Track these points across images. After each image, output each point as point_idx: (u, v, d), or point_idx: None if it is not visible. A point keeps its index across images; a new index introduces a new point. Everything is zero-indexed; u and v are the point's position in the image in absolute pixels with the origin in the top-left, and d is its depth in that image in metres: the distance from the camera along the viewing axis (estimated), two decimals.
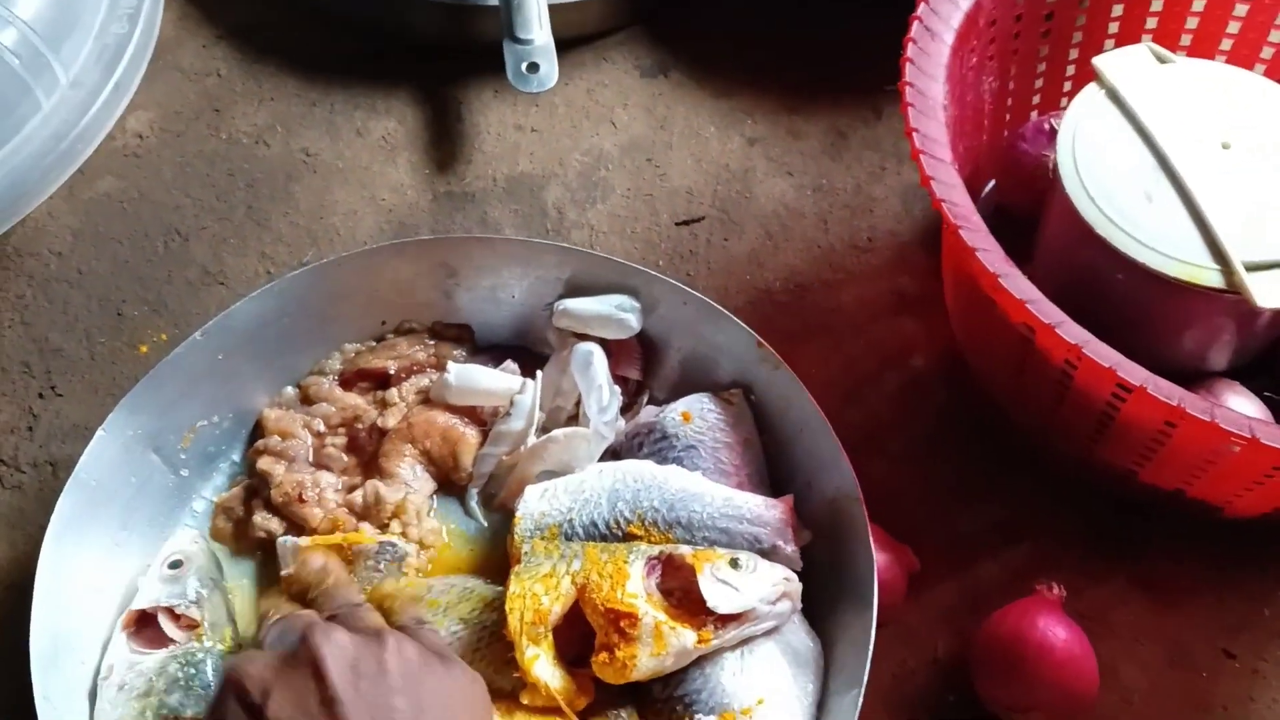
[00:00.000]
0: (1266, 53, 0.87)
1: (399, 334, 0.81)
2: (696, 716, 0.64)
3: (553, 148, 0.95)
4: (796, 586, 0.66)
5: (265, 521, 0.73)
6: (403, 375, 0.78)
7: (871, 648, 0.63)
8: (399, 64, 0.99)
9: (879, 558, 0.71)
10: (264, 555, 0.74)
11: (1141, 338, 0.71)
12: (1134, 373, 0.60)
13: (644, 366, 0.80)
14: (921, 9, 0.73)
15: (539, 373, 0.78)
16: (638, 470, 0.71)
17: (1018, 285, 0.63)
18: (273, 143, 0.94)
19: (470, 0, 0.96)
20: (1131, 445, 0.68)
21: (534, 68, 0.90)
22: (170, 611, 0.68)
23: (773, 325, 0.86)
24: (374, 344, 0.81)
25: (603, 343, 0.78)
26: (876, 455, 0.80)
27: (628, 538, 0.69)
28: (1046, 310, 0.62)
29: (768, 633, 0.66)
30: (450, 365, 0.78)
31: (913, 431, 0.82)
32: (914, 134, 0.68)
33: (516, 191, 0.92)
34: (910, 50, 0.72)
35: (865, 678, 0.63)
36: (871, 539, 0.67)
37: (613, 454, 0.76)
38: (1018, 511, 0.78)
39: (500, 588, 0.67)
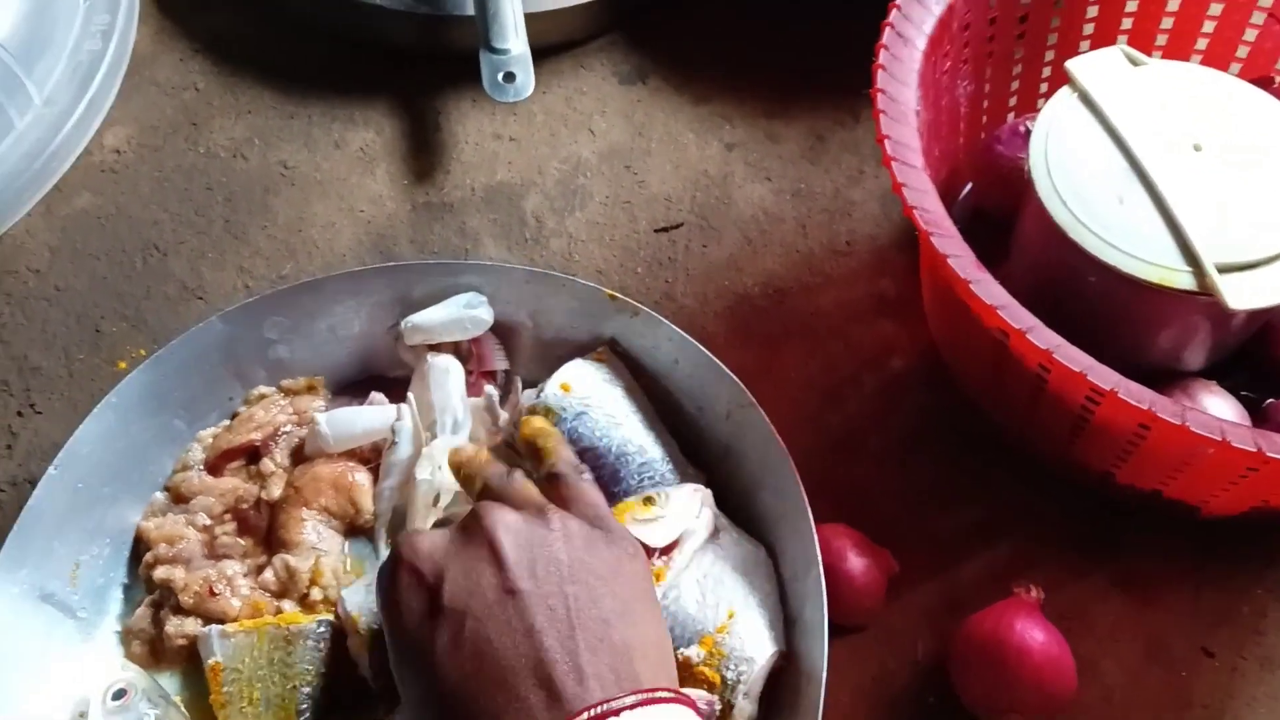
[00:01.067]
0: (1241, 51, 0.88)
1: (250, 404, 0.79)
2: (680, 651, 0.65)
3: (531, 156, 0.95)
4: (706, 492, 0.70)
5: (181, 627, 0.70)
6: (270, 443, 0.76)
7: (812, 521, 0.66)
8: (376, 75, 0.99)
9: (858, 563, 0.72)
10: (186, 666, 0.71)
11: (1117, 338, 0.71)
12: (1105, 377, 0.60)
13: (507, 354, 0.81)
14: (893, 14, 0.73)
15: (410, 395, 0.77)
16: None
17: (989, 291, 0.63)
18: (250, 156, 0.94)
19: (446, 11, 0.96)
20: (1108, 447, 0.69)
21: (510, 77, 0.90)
22: None
23: (752, 329, 0.86)
24: (229, 422, 0.78)
25: (458, 344, 0.78)
26: (856, 457, 0.80)
27: None
28: (1018, 315, 0.62)
29: (712, 556, 0.69)
30: (318, 416, 0.76)
31: (892, 433, 0.82)
32: (886, 141, 0.68)
33: (495, 201, 0.92)
34: (882, 56, 0.72)
35: (818, 554, 0.65)
36: (777, 434, 0.70)
37: (506, 444, 0.76)
38: (997, 511, 0.78)
39: None
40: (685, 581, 0.68)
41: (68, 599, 0.71)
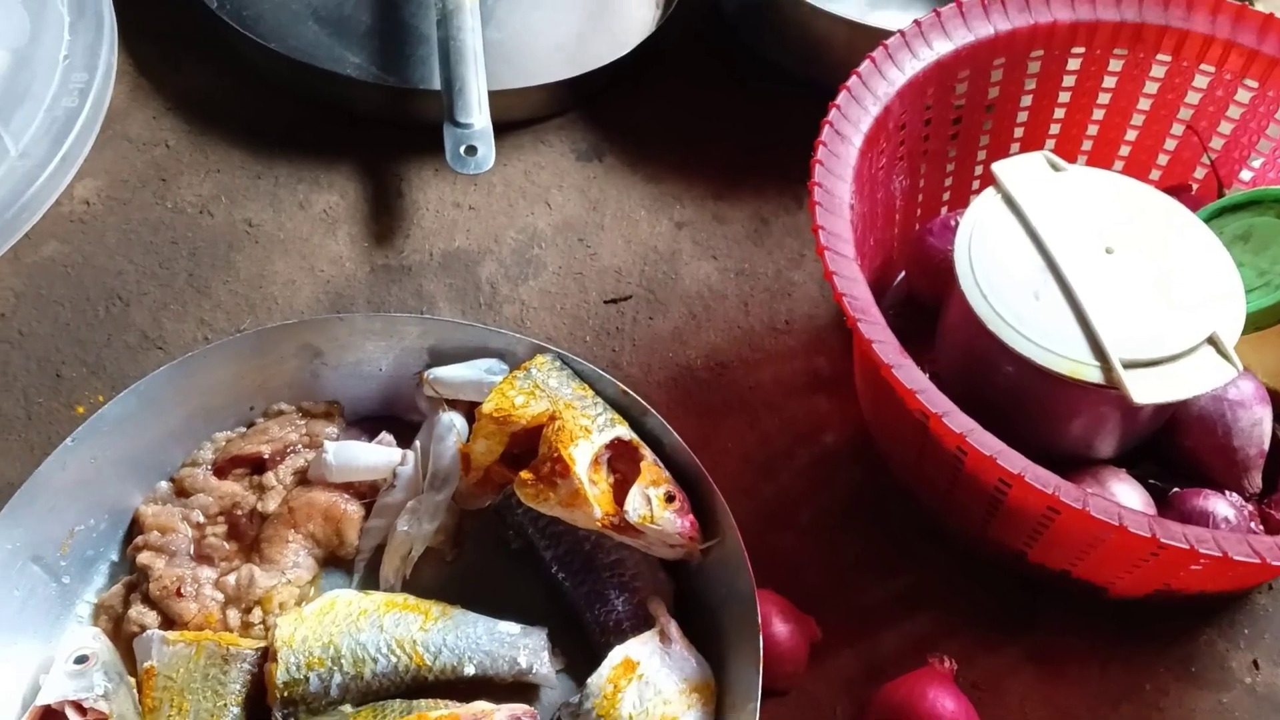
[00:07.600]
0: (1162, 159, 0.94)
1: (268, 418, 0.83)
2: None
3: (489, 225, 0.99)
4: (695, 548, 0.74)
5: (140, 616, 0.73)
6: (277, 458, 0.80)
7: (760, 659, 0.68)
8: (343, 140, 1.03)
9: (782, 628, 0.75)
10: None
11: (1033, 426, 0.76)
12: (1014, 461, 0.64)
13: None
14: (832, 113, 0.78)
15: (417, 443, 0.80)
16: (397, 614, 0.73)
17: (910, 375, 0.67)
18: (216, 213, 0.97)
19: (414, 84, 1.00)
20: (1019, 527, 0.73)
21: (472, 150, 0.94)
22: (77, 705, 0.68)
23: (693, 401, 0.90)
24: (244, 430, 0.82)
25: (475, 406, 0.80)
26: (787, 528, 0.84)
27: (399, 673, 0.71)
28: (935, 400, 0.66)
29: (659, 662, 0.70)
30: (327, 445, 0.79)
31: (822, 506, 0.85)
32: (820, 231, 0.73)
33: (452, 266, 0.96)
34: (820, 153, 0.76)
35: (759, 684, 0.67)
36: (749, 566, 0.71)
37: (495, 513, 0.79)
38: (919, 585, 0.82)
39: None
40: (626, 684, 0.69)
41: (55, 564, 0.74)
